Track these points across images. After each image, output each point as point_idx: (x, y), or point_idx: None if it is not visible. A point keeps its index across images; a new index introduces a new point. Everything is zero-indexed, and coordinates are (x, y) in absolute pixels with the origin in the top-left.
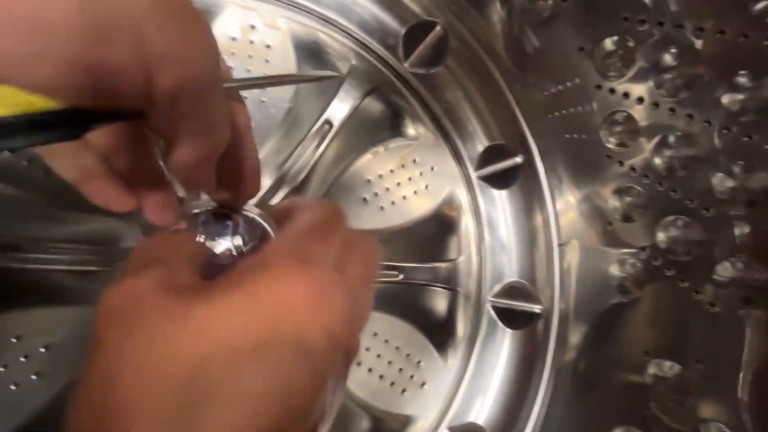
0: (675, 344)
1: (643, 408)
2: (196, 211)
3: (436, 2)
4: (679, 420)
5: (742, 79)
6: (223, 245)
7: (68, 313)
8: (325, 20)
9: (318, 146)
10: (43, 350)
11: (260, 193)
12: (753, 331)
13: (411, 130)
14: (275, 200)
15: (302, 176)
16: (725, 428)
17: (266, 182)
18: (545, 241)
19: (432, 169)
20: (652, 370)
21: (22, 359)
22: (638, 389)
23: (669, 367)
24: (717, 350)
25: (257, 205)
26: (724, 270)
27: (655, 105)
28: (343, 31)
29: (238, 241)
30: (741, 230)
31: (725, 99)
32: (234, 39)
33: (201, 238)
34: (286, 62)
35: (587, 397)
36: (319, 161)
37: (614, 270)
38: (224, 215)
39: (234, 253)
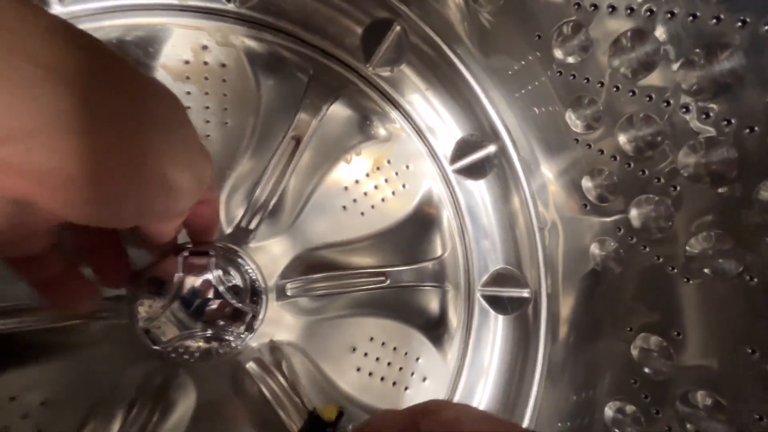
0: (656, 318)
1: (633, 381)
2: (185, 252)
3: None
4: (665, 390)
5: (695, 58)
6: (205, 277)
7: (56, 367)
8: (279, 30)
9: (288, 164)
10: (41, 406)
11: (235, 222)
12: (725, 302)
13: (382, 130)
14: (252, 225)
15: (275, 199)
16: (707, 395)
17: (239, 210)
18: (525, 224)
19: (407, 167)
20: (637, 344)
21: (21, 419)
22: (627, 363)
23: (652, 341)
24: (694, 321)
25: (234, 233)
26: (694, 245)
27: (616, 88)
28: (299, 39)
29: (218, 273)
30: (706, 205)
31: (681, 79)
32: (187, 62)
33: (181, 273)
34: (244, 80)
35: (581, 373)
36: (291, 178)
37: (595, 249)
38: (202, 253)
39: (216, 284)
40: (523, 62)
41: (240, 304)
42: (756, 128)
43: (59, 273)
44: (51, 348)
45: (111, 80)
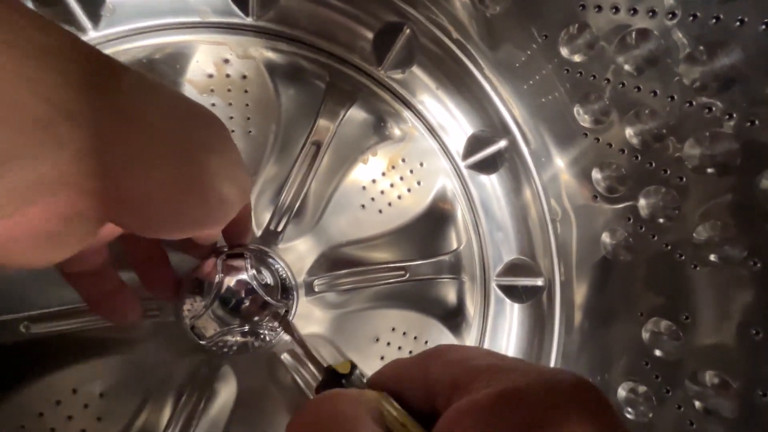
0: (666, 303)
1: (645, 363)
2: (223, 256)
3: (400, 2)
4: (675, 370)
5: (697, 55)
6: (240, 277)
7: (112, 362)
8: (295, 40)
9: (309, 169)
10: (100, 397)
11: (264, 225)
12: (730, 286)
13: (396, 131)
14: (279, 228)
15: (299, 201)
16: (714, 374)
17: (267, 215)
18: (538, 215)
19: (421, 165)
20: (648, 327)
21: (83, 408)
22: (639, 346)
23: (662, 324)
24: (702, 305)
25: (263, 236)
26: (701, 232)
27: (622, 84)
28: (315, 47)
29: (253, 272)
30: (711, 195)
31: (684, 75)
32: (211, 76)
33: (221, 274)
34: (265, 90)
35: (595, 356)
36: (313, 181)
37: (606, 237)
38: (238, 255)
39: (251, 282)
40: (529, 52)
41: (273, 301)
42: (756, 121)
43: (111, 288)
44: (107, 344)
45: (176, 114)
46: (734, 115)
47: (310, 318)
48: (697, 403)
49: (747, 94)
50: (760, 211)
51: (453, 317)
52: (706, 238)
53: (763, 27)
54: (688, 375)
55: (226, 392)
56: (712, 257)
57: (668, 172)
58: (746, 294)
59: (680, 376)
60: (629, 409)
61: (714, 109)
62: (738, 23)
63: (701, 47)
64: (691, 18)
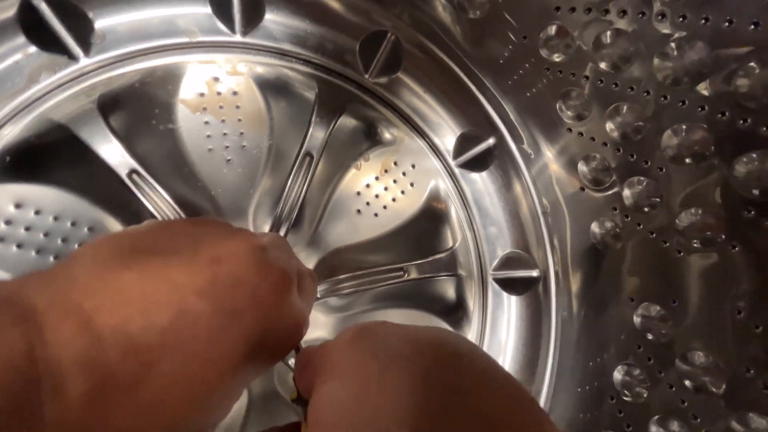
0: (654, 288)
1: (638, 346)
2: None
3: (382, 10)
4: (664, 352)
5: (669, 51)
6: None
7: None
8: (283, 54)
9: (304, 179)
10: None
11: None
12: (714, 270)
13: (387, 135)
14: None
15: (296, 211)
16: (702, 354)
17: (266, 226)
18: (529, 208)
19: (413, 167)
20: (639, 312)
21: None
22: (631, 331)
23: (652, 309)
24: (688, 289)
25: None
26: (683, 219)
27: (600, 81)
28: (302, 60)
29: None
30: (690, 183)
31: (657, 71)
32: (202, 95)
33: None
34: (256, 104)
35: (592, 342)
36: (308, 190)
37: (595, 227)
38: None
39: None
40: (511, 51)
41: None
42: (726, 113)
43: None
44: None
45: None
46: (705, 108)
47: (315, 323)
48: (687, 382)
49: (715, 87)
50: (736, 196)
51: (453, 313)
52: (687, 225)
53: (726, 24)
54: (679, 356)
55: (238, 400)
56: (695, 243)
57: (649, 163)
58: (728, 277)
59: (671, 357)
60: (626, 391)
61: (687, 102)
62: (703, 21)
63: (671, 44)
64: (660, 17)
